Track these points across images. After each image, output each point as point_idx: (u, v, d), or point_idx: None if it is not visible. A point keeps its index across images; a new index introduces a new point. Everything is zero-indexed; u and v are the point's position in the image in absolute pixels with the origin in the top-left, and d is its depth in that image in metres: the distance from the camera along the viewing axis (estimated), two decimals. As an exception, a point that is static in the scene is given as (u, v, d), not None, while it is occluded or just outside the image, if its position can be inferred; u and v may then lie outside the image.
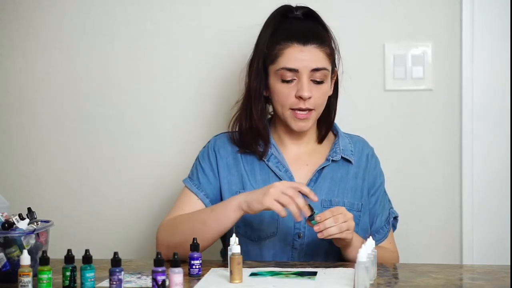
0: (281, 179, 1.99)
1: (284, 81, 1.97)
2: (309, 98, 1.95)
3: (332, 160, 2.03)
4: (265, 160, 2.03)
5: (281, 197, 1.80)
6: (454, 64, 2.37)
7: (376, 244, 2.05)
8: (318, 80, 1.97)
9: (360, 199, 2.04)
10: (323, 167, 2.03)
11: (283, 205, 1.80)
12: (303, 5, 2.05)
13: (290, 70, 1.95)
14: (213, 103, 2.46)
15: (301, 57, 1.95)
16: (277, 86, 1.99)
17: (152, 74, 2.48)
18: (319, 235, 1.80)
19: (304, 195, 1.82)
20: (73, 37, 2.50)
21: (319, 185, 2.01)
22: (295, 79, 1.96)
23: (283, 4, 2.05)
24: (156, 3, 2.46)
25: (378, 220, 2.07)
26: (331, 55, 2.00)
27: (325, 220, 1.79)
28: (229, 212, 1.88)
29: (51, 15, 2.50)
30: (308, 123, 2.00)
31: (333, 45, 2.02)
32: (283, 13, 2.03)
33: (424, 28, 2.38)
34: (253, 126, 2.03)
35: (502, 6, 2.34)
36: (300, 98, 1.95)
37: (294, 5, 2.05)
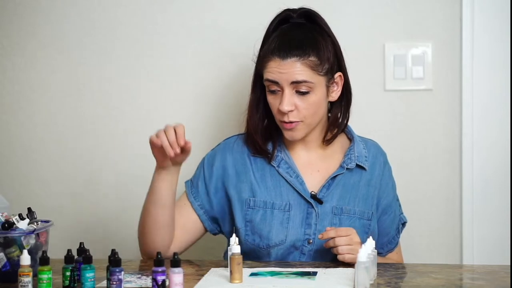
0: (292, 185, 1.98)
1: (270, 91, 1.94)
2: (291, 111, 1.91)
3: (347, 168, 2.00)
4: (275, 165, 2.00)
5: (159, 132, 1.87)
6: (454, 64, 2.37)
7: (386, 254, 2.06)
8: (302, 91, 1.91)
9: (370, 208, 2.01)
10: (336, 175, 2.00)
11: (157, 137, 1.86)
12: (306, 7, 2.00)
13: (272, 82, 1.92)
14: (213, 104, 2.45)
15: (280, 70, 1.90)
16: (267, 96, 1.96)
17: (152, 74, 2.48)
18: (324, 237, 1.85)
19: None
20: (73, 36, 2.50)
21: (331, 192, 1.98)
22: (279, 91, 1.92)
23: (285, 8, 2.00)
24: (157, 3, 2.46)
25: (392, 230, 2.06)
26: (319, 65, 1.91)
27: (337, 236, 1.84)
28: (153, 178, 1.95)
29: (51, 15, 2.50)
30: (298, 133, 1.95)
31: (328, 54, 1.93)
32: (282, 19, 1.98)
33: (424, 28, 2.38)
34: (249, 134, 2.01)
35: (502, 6, 2.34)
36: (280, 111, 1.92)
37: (295, 6, 2.01)
